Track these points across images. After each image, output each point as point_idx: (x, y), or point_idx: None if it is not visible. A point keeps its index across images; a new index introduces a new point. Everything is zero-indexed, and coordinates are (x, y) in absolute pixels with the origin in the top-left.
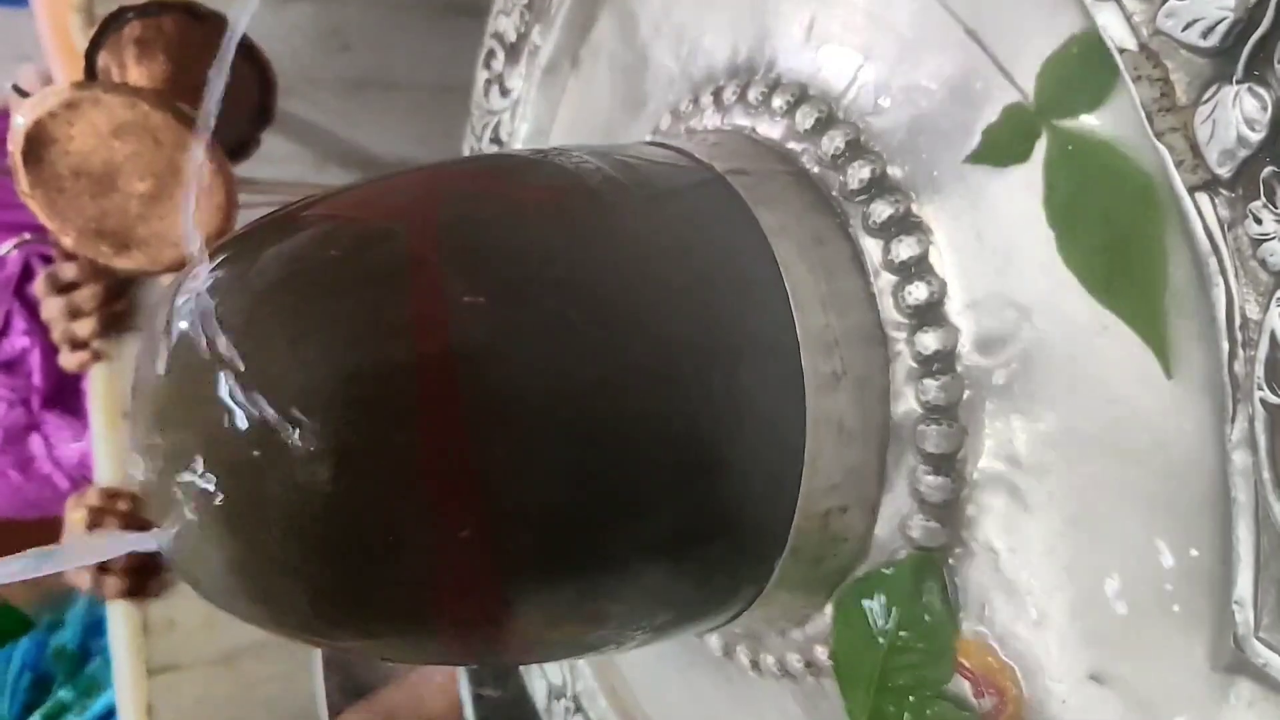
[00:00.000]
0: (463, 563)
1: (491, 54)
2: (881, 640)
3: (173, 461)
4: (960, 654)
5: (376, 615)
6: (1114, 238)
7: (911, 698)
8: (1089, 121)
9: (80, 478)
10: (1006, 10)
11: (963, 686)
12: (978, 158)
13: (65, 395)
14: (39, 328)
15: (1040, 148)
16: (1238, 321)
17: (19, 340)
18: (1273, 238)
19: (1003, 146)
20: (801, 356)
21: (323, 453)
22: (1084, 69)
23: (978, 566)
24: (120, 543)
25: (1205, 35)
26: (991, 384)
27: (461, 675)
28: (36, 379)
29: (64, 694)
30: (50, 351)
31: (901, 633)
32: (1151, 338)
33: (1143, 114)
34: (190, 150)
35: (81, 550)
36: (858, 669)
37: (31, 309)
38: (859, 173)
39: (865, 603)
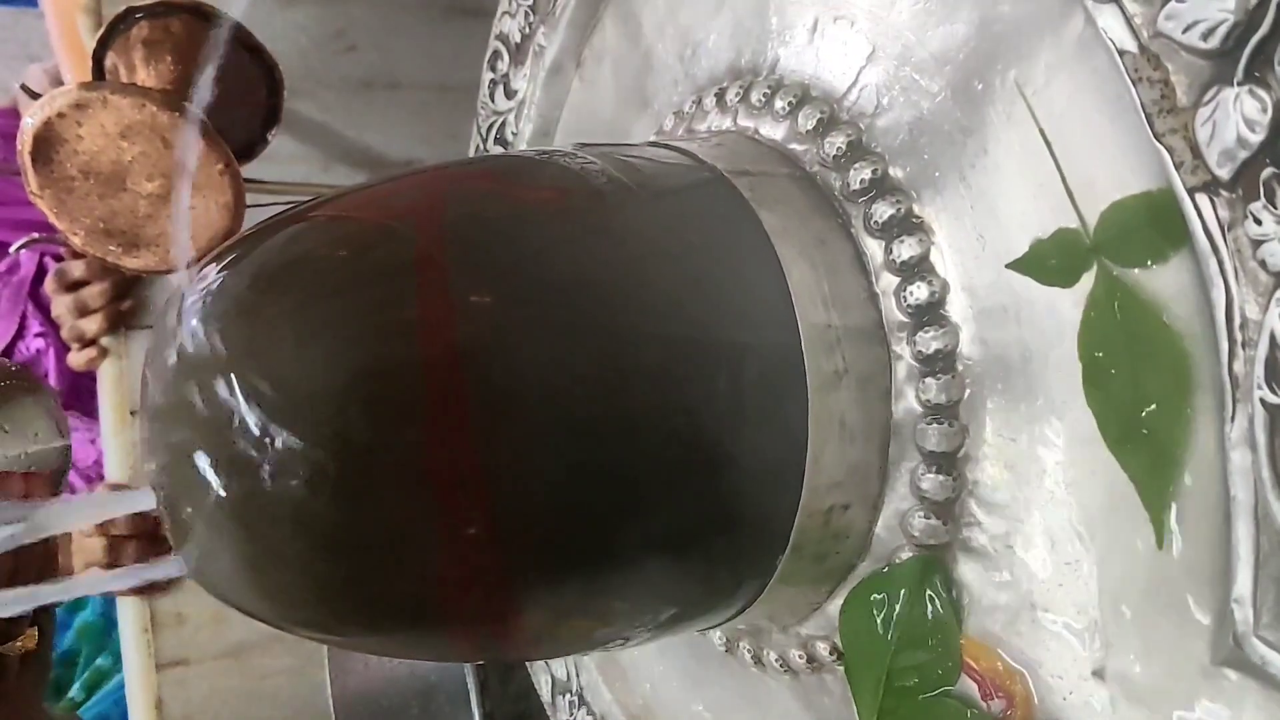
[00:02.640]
0: (469, 560)
1: (497, 55)
2: (888, 640)
3: (181, 459)
4: (967, 654)
5: (383, 612)
6: (1139, 400)
7: (920, 697)
8: (1141, 278)
9: (96, 477)
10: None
11: (971, 688)
12: (1020, 266)
13: (80, 396)
14: (54, 329)
15: (1087, 279)
16: (1237, 321)
17: (34, 341)
18: (1272, 238)
19: (1049, 266)
20: (804, 355)
21: (330, 451)
22: (1152, 225)
23: (979, 564)
24: (140, 572)
25: (1205, 37)
26: (992, 383)
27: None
28: (52, 379)
29: (102, 661)
30: (65, 352)
31: (907, 632)
32: (1152, 506)
33: (1143, 115)
34: (189, 151)
35: (103, 580)
36: (866, 669)
37: (46, 310)
38: (861, 173)
39: (871, 603)
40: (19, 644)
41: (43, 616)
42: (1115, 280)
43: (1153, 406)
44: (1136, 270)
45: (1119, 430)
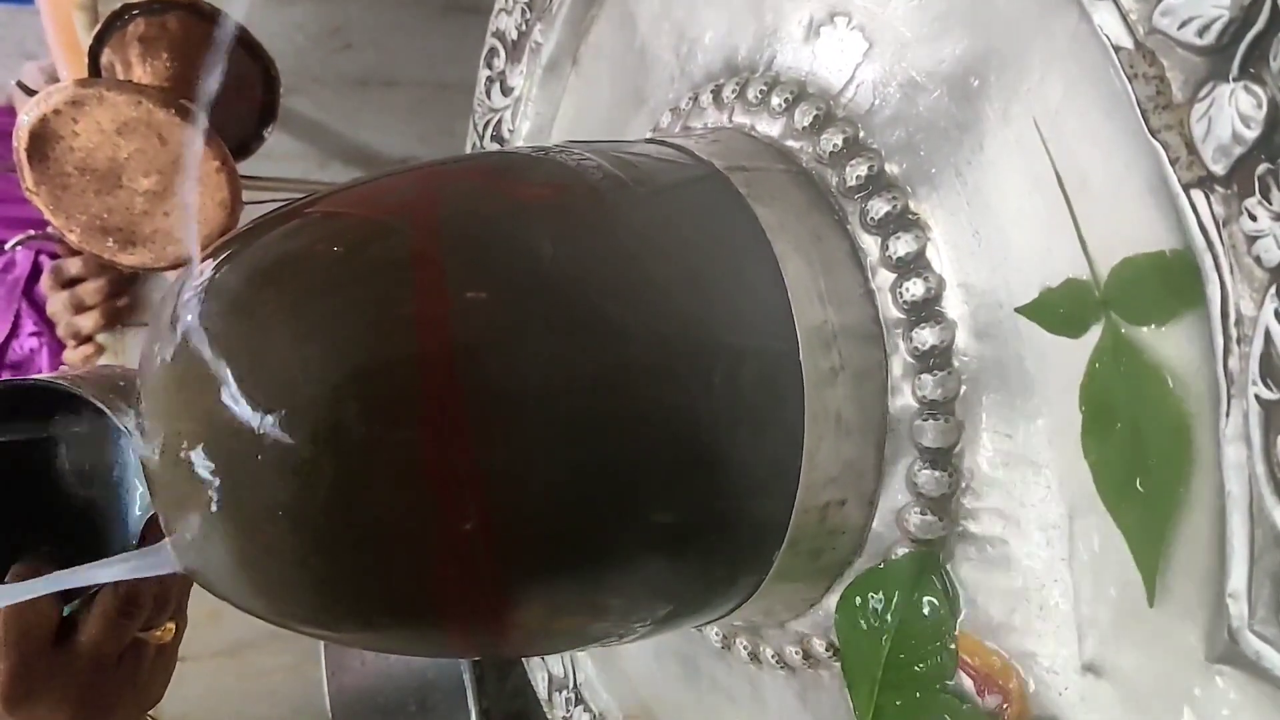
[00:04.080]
0: (465, 556)
1: (493, 52)
2: (884, 636)
3: (178, 456)
4: (962, 650)
5: (379, 608)
6: (1137, 461)
7: (916, 693)
8: (1149, 337)
9: None
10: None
11: (966, 683)
12: (1028, 312)
13: None
14: (48, 327)
15: (1095, 331)
16: (1232, 318)
17: (28, 341)
18: (1267, 234)
19: (1057, 314)
20: (800, 351)
21: (326, 447)
22: (1164, 285)
23: (975, 560)
24: (135, 563)
25: (1201, 33)
26: (988, 379)
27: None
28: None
29: None
30: (59, 351)
31: (903, 628)
32: (1144, 564)
33: (1138, 111)
34: (193, 150)
35: (101, 570)
36: (862, 665)
37: (40, 309)
38: (857, 170)
39: (867, 598)
40: (158, 633)
41: (179, 615)
42: (1123, 338)
43: (1150, 469)
44: (1145, 329)
45: (1114, 486)
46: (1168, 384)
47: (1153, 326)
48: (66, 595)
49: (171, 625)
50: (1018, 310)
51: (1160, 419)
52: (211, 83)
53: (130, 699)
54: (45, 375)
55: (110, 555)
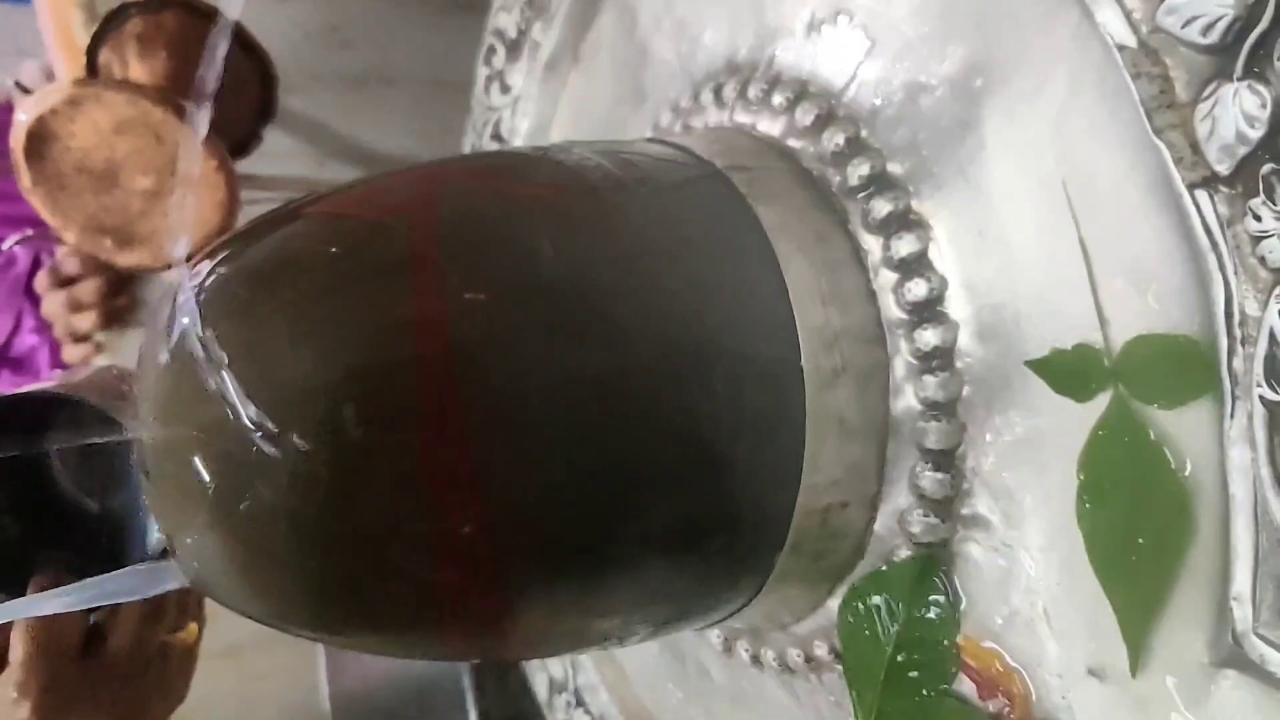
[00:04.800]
0: (464, 558)
1: (492, 50)
2: (886, 639)
3: (175, 459)
4: (965, 653)
5: (378, 611)
6: (1130, 534)
7: (918, 696)
8: (1157, 414)
9: None
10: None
11: (969, 687)
12: (1038, 368)
13: None
14: (49, 324)
15: (1103, 399)
16: (1236, 318)
17: (28, 338)
18: (1272, 235)
19: (1065, 377)
20: (802, 353)
21: (323, 450)
22: (1177, 369)
23: (977, 562)
24: (139, 579)
25: (1205, 32)
26: (991, 380)
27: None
28: (45, 377)
29: None
30: (59, 346)
31: (905, 631)
32: (1130, 636)
33: (1142, 111)
34: (186, 149)
35: (106, 586)
36: (864, 668)
37: (40, 306)
38: (859, 169)
39: (869, 601)
40: (182, 635)
41: (199, 614)
42: (1130, 412)
43: (1143, 546)
44: (1152, 407)
45: (1105, 557)
46: (1170, 465)
47: (1158, 407)
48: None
49: (194, 626)
50: (1027, 364)
51: (1160, 498)
52: (209, 81)
53: (158, 702)
54: (48, 385)
55: (130, 563)
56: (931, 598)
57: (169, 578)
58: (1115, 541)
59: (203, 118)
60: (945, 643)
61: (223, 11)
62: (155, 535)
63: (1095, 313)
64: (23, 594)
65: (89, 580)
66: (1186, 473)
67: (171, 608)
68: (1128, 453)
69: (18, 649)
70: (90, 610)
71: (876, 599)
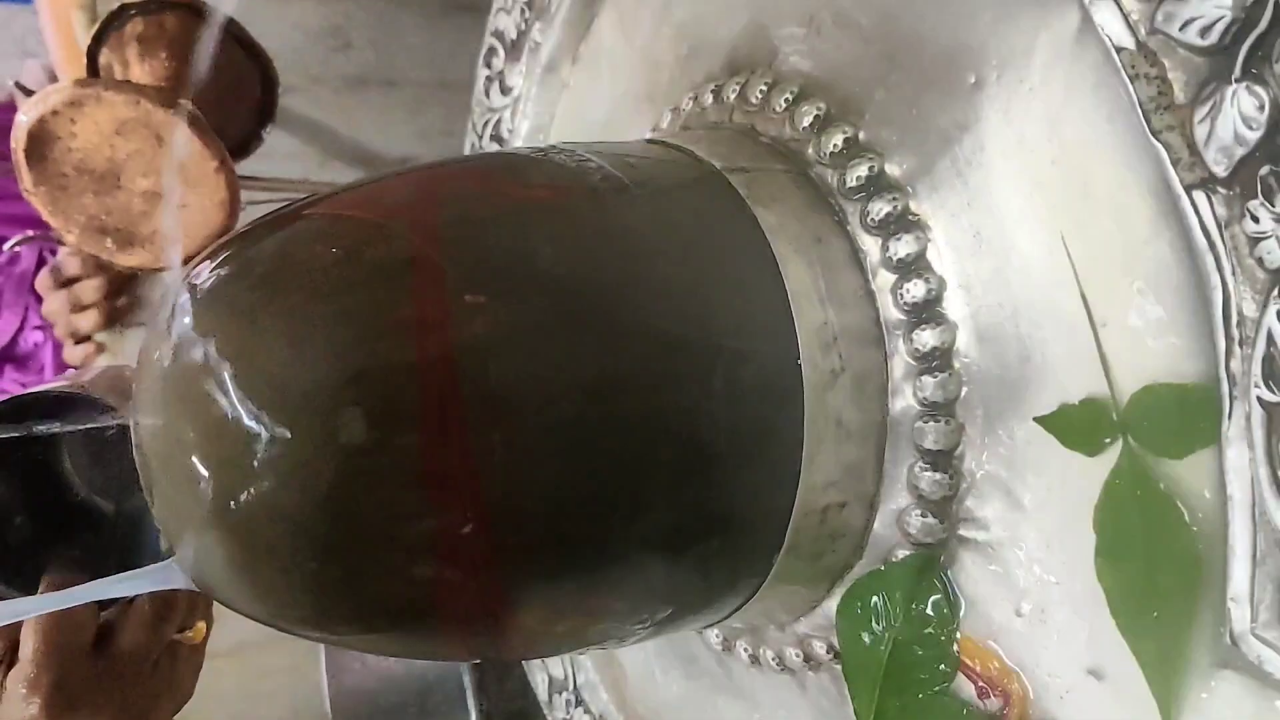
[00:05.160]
0: (464, 559)
1: (492, 52)
2: (885, 638)
3: (175, 458)
4: (964, 653)
5: (379, 612)
6: (1150, 589)
7: (916, 696)
8: (1166, 464)
9: None
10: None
11: (967, 687)
12: (1047, 423)
13: None
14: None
15: (1113, 452)
16: (1234, 319)
17: (32, 335)
18: (1269, 236)
19: (1074, 431)
20: (800, 353)
21: (324, 451)
22: (1183, 419)
23: (976, 562)
24: (144, 579)
25: (1203, 34)
26: (990, 381)
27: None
28: (48, 374)
29: None
30: (62, 346)
31: (903, 631)
32: (1160, 692)
33: (1140, 112)
34: (193, 150)
35: (110, 585)
36: (863, 668)
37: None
38: (857, 170)
39: (868, 601)
40: (190, 634)
41: (209, 614)
42: (1139, 463)
43: (1165, 600)
44: (1164, 460)
45: (1130, 614)
46: (1184, 517)
47: (1169, 458)
48: (102, 602)
49: (202, 624)
50: (1036, 420)
51: (1173, 550)
52: (200, 72)
53: (166, 700)
54: (57, 384)
55: (143, 563)
56: (930, 598)
57: (177, 578)
58: (1135, 598)
59: (186, 107)
60: (944, 642)
61: (215, 7)
62: None
63: (1095, 345)
64: (35, 592)
65: (100, 581)
66: (1198, 524)
67: (181, 606)
68: (1140, 508)
69: (28, 645)
70: (102, 608)
71: (875, 599)
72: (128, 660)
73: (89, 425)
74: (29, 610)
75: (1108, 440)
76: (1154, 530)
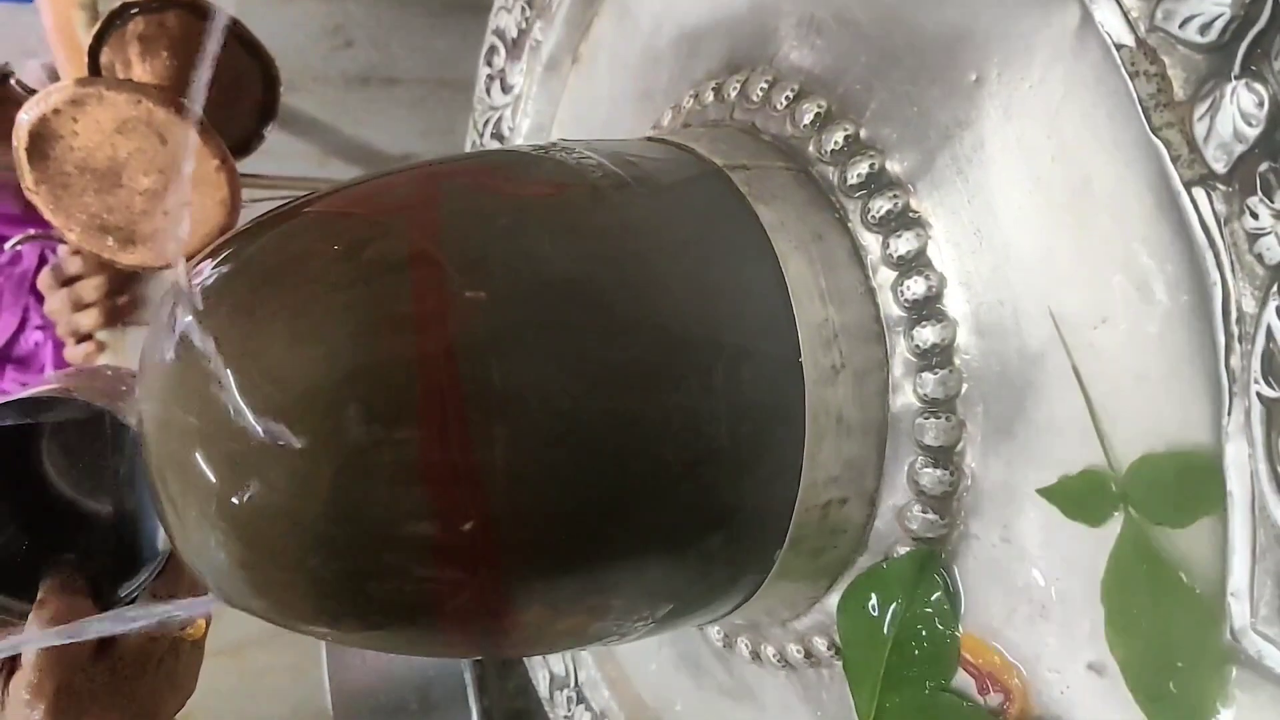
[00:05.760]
0: (465, 555)
1: (493, 50)
2: (886, 635)
3: (177, 456)
4: (964, 649)
5: (380, 609)
6: (1165, 659)
7: (918, 691)
8: (1170, 533)
9: None
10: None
11: (968, 682)
12: (1049, 495)
13: None
14: (53, 322)
15: (1116, 521)
16: (1234, 316)
17: (33, 335)
18: (1269, 232)
19: (1076, 503)
20: (801, 350)
21: (325, 448)
22: (1183, 488)
23: (976, 558)
24: (184, 609)
25: (1202, 32)
26: (990, 378)
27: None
28: (49, 374)
29: None
30: (62, 345)
31: (905, 627)
32: None
33: (1139, 109)
34: (188, 149)
35: (148, 611)
36: (864, 664)
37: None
38: (858, 167)
39: (869, 598)
40: (190, 630)
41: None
42: (1142, 533)
43: (1179, 667)
44: (1168, 529)
45: (1147, 689)
46: (1194, 589)
47: (1172, 528)
48: (106, 604)
49: (203, 620)
50: (1039, 492)
51: (1183, 618)
52: (203, 76)
53: (170, 698)
54: (39, 389)
55: (142, 563)
56: (931, 593)
57: (218, 608)
58: (1150, 672)
59: (196, 110)
60: (945, 638)
61: (221, 8)
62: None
63: (1090, 417)
64: (34, 599)
65: (136, 607)
66: (1205, 590)
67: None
68: (1146, 577)
69: (30, 650)
70: (104, 608)
71: (876, 595)
72: (132, 660)
73: (64, 418)
74: (51, 640)
75: (1109, 511)
76: (1161, 597)
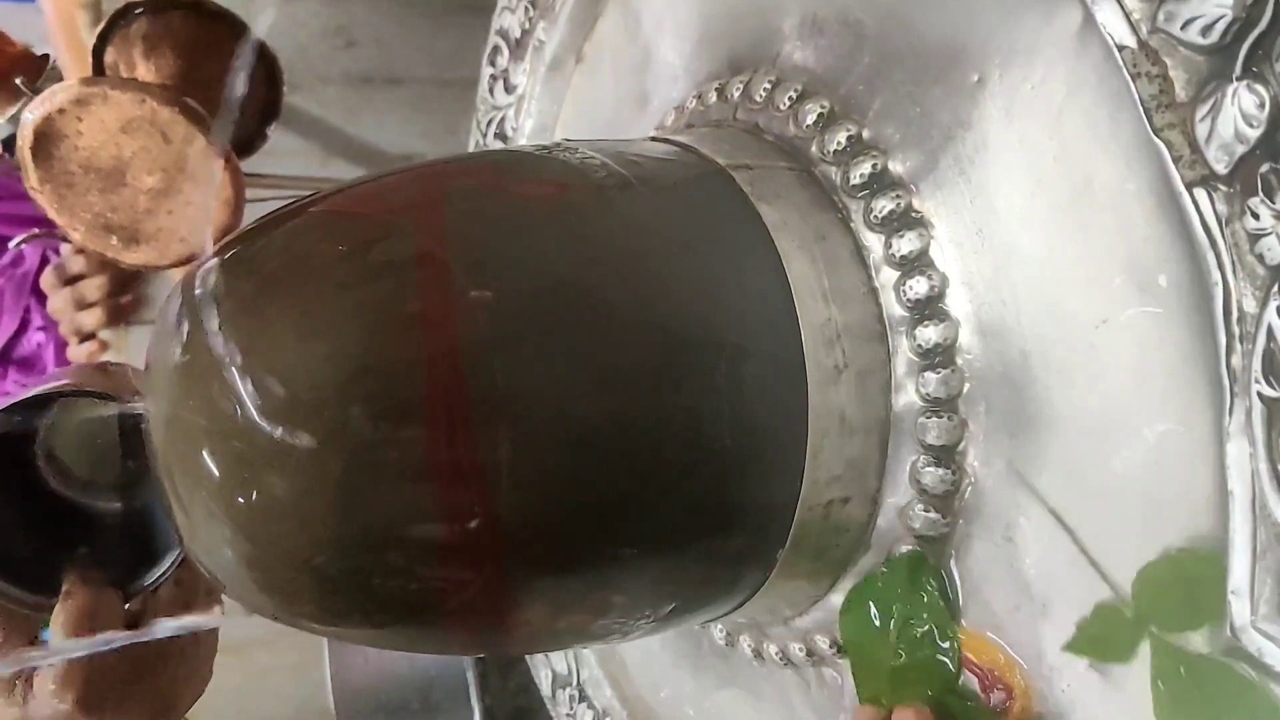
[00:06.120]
0: (470, 553)
1: (496, 50)
2: (889, 633)
3: (183, 455)
4: (967, 646)
5: (385, 606)
6: None
7: (923, 690)
8: (1197, 641)
9: None
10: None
11: (971, 680)
12: (1074, 648)
13: None
14: (53, 322)
15: (1144, 652)
16: (1235, 316)
17: (35, 335)
18: (1270, 233)
19: (1100, 644)
20: (804, 350)
21: (331, 447)
22: (1187, 595)
23: (978, 557)
24: (200, 621)
25: (1204, 33)
26: (992, 377)
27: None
28: (53, 370)
29: None
30: (65, 345)
31: (907, 625)
32: None
33: (1141, 110)
34: (197, 147)
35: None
36: (868, 663)
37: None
38: (861, 168)
39: (872, 596)
40: None
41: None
42: (1172, 648)
43: None
44: (1190, 634)
45: None
46: (1240, 675)
47: (1196, 632)
48: (127, 595)
49: (219, 609)
50: (1065, 649)
51: (1250, 709)
52: (236, 94)
53: (190, 686)
54: (38, 389)
55: (156, 558)
56: (931, 592)
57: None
58: None
59: (224, 130)
60: (947, 636)
61: (223, 8)
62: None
63: (1091, 563)
64: (57, 594)
65: (174, 620)
66: (1262, 681)
67: (202, 595)
68: (1196, 687)
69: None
70: (127, 600)
71: (879, 594)
72: (155, 650)
73: (65, 417)
74: (84, 648)
75: (1135, 642)
76: (1219, 699)
